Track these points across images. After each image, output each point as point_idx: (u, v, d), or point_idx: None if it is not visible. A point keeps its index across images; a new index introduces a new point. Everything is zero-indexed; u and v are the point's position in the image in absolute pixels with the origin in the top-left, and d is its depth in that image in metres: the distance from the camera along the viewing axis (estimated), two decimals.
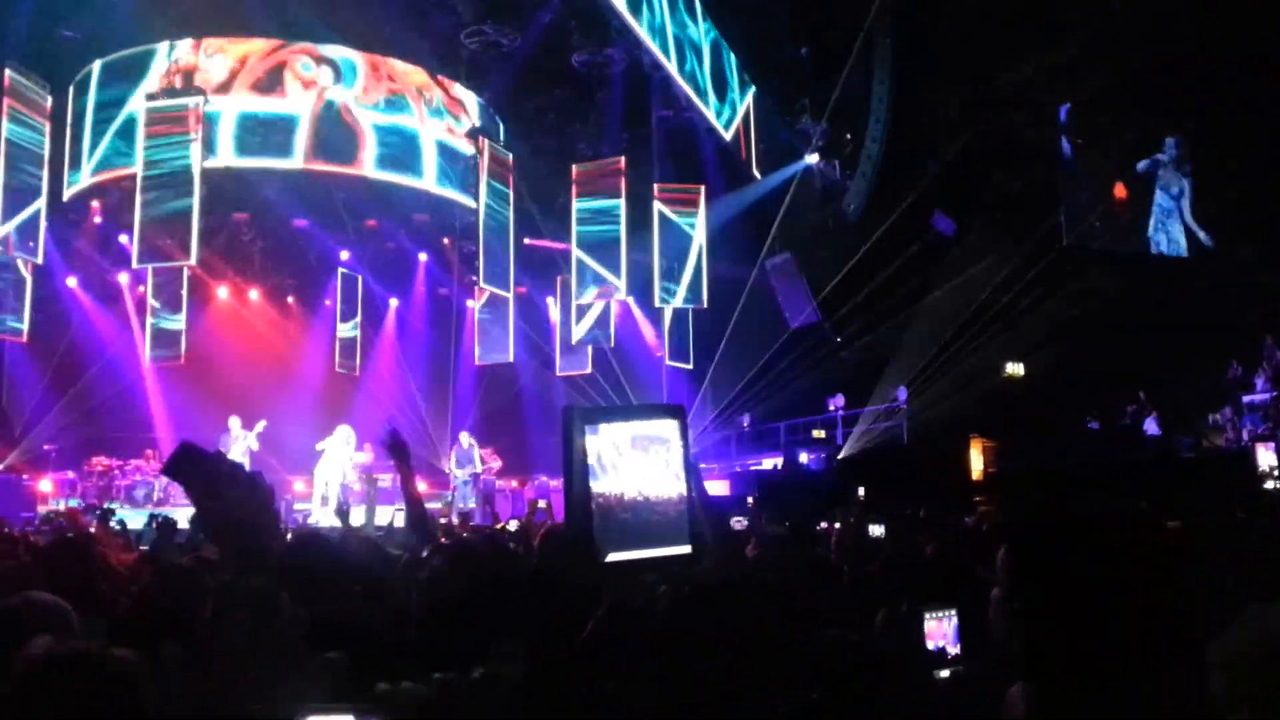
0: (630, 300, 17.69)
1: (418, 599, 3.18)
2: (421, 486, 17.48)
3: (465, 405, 19.56)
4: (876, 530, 8.36)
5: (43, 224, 13.76)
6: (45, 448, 16.86)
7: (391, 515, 9.74)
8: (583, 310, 16.76)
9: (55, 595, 3.01)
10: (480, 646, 2.46)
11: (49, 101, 13.87)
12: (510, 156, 15.85)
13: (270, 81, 14.85)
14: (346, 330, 18.76)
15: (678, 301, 16.51)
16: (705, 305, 16.52)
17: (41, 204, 13.62)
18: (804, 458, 16.97)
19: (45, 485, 15.79)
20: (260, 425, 15.57)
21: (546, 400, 19.27)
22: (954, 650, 3.52)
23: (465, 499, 15.73)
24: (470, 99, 16.40)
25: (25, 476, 16.16)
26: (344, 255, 18.53)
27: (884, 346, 16.89)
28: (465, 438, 16.91)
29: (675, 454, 2.98)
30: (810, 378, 17.69)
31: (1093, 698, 1.64)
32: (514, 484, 17.41)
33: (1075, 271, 18.55)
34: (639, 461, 2.93)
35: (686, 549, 2.98)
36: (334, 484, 15.28)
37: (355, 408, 18.30)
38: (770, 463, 17.37)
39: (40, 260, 14.10)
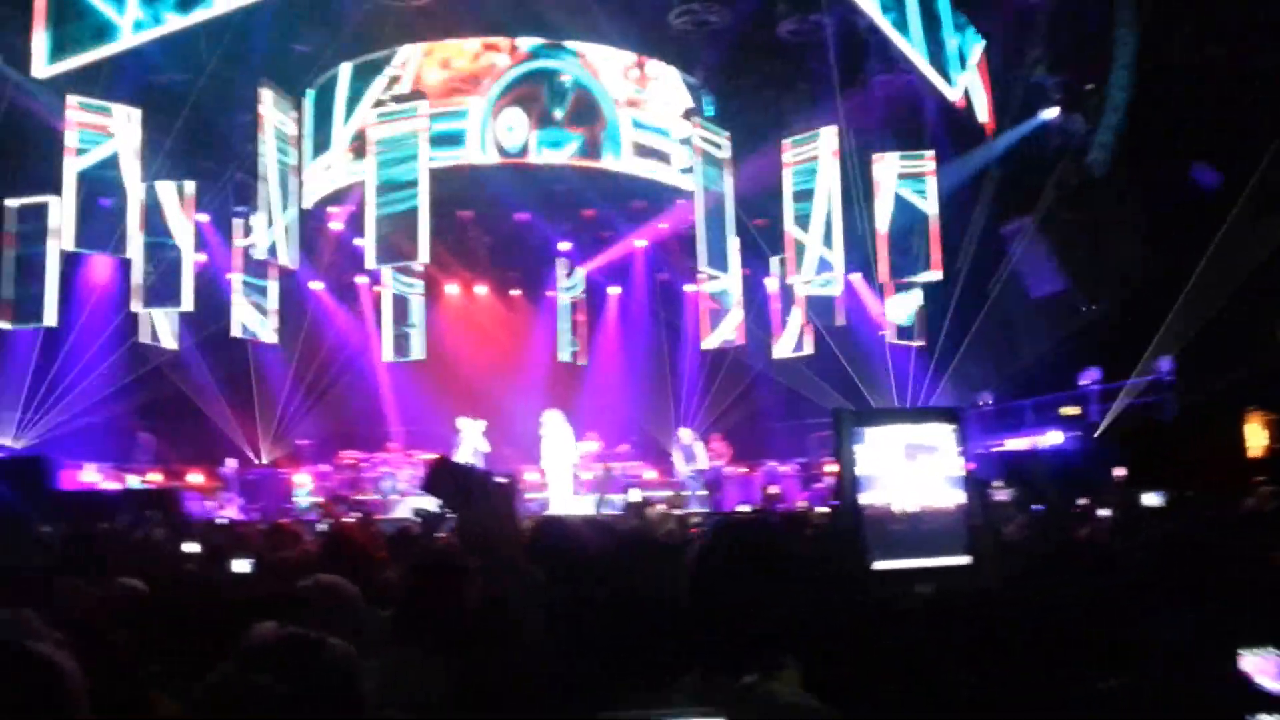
0: (857, 277, 16.97)
1: (682, 585, 2.99)
2: (651, 475, 17.61)
3: (691, 391, 19.46)
4: (1151, 500, 7.69)
5: (295, 232, 14.52)
6: (298, 443, 17.96)
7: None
8: (802, 290, 16.24)
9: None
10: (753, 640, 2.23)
11: (295, 114, 14.64)
12: (725, 136, 15.47)
13: (528, 80, 15.07)
14: (565, 356, 18.92)
15: (907, 276, 15.60)
16: (938, 279, 15.54)
17: (295, 213, 14.37)
18: (1057, 436, 15.75)
19: (300, 478, 16.77)
20: (481, 426, 16.01)
21: (773, 383, 18.81)
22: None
23: (695, 491, 15.64)
24: (681, 80, 16.16)
25: (283, 470, 17.27)
26: (564, 246, 18.75)
27: (1142, 315, 15.38)
28: (686, 434, 16.82)
29: (948, 461, 2.83)
30: (1057, 350, 16.40)
31: None
32: (744, 470, 17.08)
33: None
34: (909, 472, 2.81)
35: (965, 559, 2.78)
36: (565, 470, 15.45)
37: (581, 397, 18.50)
38: (1017, 443, 16.22)
39: (295, 266, 14.91)
